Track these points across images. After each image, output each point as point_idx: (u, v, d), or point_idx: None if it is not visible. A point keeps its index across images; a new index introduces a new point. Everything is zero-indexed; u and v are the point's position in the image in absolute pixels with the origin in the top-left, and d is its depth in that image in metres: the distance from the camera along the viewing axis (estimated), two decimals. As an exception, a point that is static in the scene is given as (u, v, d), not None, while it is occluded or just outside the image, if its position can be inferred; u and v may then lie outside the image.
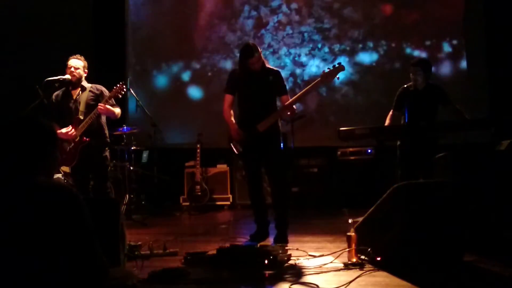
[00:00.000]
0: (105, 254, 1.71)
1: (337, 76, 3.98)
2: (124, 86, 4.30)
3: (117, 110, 4.37)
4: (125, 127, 6.18)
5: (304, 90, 4.12)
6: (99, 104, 4.20)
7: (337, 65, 3.99)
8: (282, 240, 3.96)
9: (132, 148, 6.35)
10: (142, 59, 7.65)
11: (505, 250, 3.32)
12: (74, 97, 4.31)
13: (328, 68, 4.03)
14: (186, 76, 7.50)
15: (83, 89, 4.32)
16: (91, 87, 4.36)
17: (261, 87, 4.08)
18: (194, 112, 7.28)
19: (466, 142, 5.39)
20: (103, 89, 4.40)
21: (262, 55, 4.08)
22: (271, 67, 4.22)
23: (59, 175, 4.48)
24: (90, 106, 4.25)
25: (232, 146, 4.17)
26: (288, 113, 4.11)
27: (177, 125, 7.33)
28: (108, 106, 4.24)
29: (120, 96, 4.32)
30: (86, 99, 4.28)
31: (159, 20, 7.60)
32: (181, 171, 6.88)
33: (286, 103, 4.08)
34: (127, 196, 6.04)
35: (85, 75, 4.39)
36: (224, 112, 4.21)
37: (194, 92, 7.45)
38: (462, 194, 3.31)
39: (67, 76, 4.20)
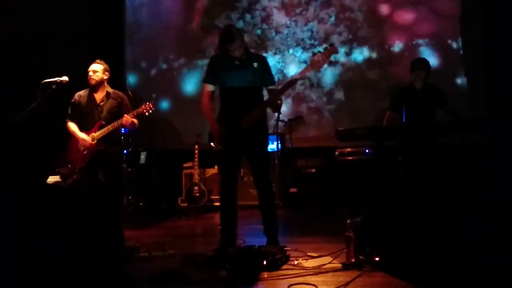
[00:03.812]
0: (104, 255, 1.71)
1: (330, 59, 3.54)
2: (152, 106, 4.32)
3: (136, 121, 4.42)
4: (123, 128, 6.18)
5: (292, 78, 3.66)
6: (125, 115, 4.27)
7: (329, 47, 3.51)
8: (274, 232, 3.77)
9: (130, 149, 6.35)
10: (140, 60, 7.66)
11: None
12: (98, 102, 4.39)
13: (319, 51, 3.51)
14: (184, 76, 7.50)
15: (108, 95, 4.41)
16: (113, 93, 4.45)
17: (245, 76, 3.64)
18: (192, 113, 7.27)
19: (464, 142, 5.39)
20: (124, 97, 4.50)
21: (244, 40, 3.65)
22: (255, 53, 3.93)
23: (57, 177, 4.48)
24: (113, 113, 4.36)
25: (213, 145, 3.73)
26: (276, 105, 3.70)
27: (175, 126, 7.32)
28: (132, 119, 4.32)
29: (147, 114, 4.34)
30: (110, 106, 4.38)
31: (157, 21, 7.61)
32: (179, 172, 6.87)
33: (273, 94, 3.69)
34: (125, 197, 6.04)
35: (107, 77, 4.45)
36: (202, 105, 3.76)
37: (193, 93, 7.44)
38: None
39: (65, 78, 4.20)
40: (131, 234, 4.56)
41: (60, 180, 4.53)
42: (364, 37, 6.96)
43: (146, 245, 3.86)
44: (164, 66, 7.57)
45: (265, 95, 3.85)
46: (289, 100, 7.12)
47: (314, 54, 3.52)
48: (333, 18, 7.06)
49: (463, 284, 2.81)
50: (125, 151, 6.27)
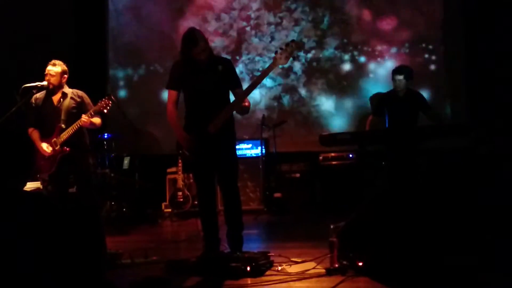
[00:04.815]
0: (85, 263, 1.69)
1: (293, 55, 3.51)
2: (109, 102, 4.08)
3: (98, 121, 4.21)
4: (106, 133, 6.12)
5: (257, 78, 3.57)
6: (82, 116, 4.03)
7: (292, 44, 3.47)
8: (239, 243, 3.71)
9: (113, 154, 6.28)
10: (123, 65, 7.59)
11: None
12: (55, 104, 4.14)
13: (280, 48, 3.48)
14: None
15: (64, 96, 4.15)
16: (72, 93, 4.20)
17: (210, 80, 3.56)
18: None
19: (446, 147, 5.45)
20: (84, 95, 4.25)
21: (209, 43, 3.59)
22: (220, 56, 3.84)
23: (38, 183, 4.40)
24: (72, 114, 4.10)
25: (182, 155, 3.75)
26: (244, 105, 3.57)
27: (159, 131, 7.27)
28: (91, 119, 4.08)
29: (105, 111, 4.10)
30: (68, 107, 4.12)
31: (140, 26, 7.55)
32: (163, 177, 6.81)
33: (238, 95, 3.59)
34: (108, 203, 5.97)
35: (65, 80, 4.20)
36: (168, 113, 3.68)
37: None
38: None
39: (45, 83, 4.07)
40: (113, 240, 4.50)
41: (41, 186, 4.44)
42: (346, 44, 7.00)
43: (128, 251, 3.82)
44: (148, 70, 7.51)
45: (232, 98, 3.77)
46: (274, 115, 7.11)
47: (276, 52, 3.49)
48: (326, 19, 7.09)
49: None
50: (108, 156, 6.22)
